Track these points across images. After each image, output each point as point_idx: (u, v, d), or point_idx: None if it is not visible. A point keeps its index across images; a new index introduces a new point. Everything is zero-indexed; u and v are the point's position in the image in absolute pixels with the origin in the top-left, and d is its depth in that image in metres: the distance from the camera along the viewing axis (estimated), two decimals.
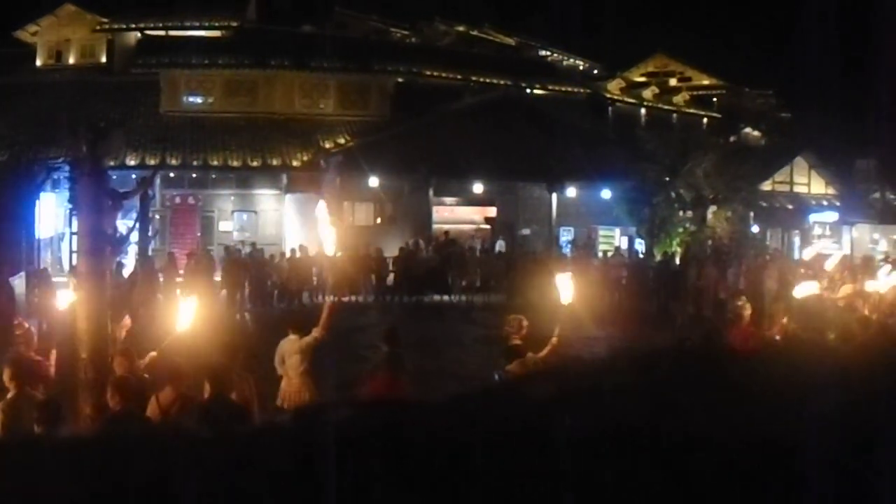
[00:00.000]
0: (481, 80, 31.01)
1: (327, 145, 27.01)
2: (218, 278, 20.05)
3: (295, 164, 26.13)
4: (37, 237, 21.61)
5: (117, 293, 9.80)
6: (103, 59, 30.14)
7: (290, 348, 8.28)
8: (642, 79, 43.33)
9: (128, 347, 7.34)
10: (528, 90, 32.15)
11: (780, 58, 69.46)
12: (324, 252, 8.79)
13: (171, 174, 25.52)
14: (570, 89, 33.97)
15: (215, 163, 25.75)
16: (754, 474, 1.28)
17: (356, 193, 25.78)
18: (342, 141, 27.30)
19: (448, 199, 27.90)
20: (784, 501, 1.24)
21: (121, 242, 7.50)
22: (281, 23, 31.56)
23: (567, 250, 26.72)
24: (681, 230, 25.97)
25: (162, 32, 30.29)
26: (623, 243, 28.16)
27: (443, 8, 37.82)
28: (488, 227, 28.09)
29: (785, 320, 9.00)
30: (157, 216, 25.13)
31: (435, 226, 26.59)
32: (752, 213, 28.42)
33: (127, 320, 8.12)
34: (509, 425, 1.42)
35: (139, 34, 29.96)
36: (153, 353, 7.37)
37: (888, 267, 15.35)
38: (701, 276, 21.41)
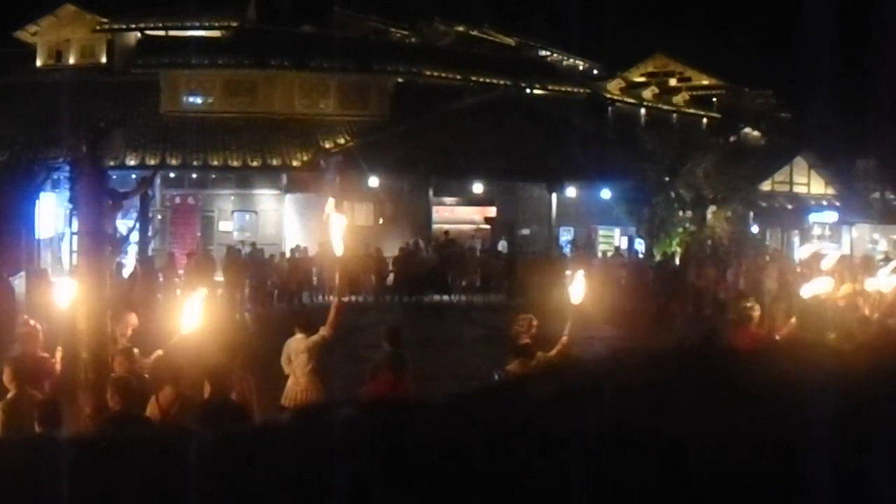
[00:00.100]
0: (481, 80, 30.98)
1: (327, 145, 27.01)
2: (218, 278, 20.05)
3: (295, 164, 26.14)
4: (37, 237, 21.59)
5: (117, 293, 9.78)
6: (103, 60, 30.16)
7: (297, 347, 8.24)
8: (642, 79, 43.31)
9: (128, 347, 7.32)
10: (528, 90, 32.13)
11: (779, 58, 69.57)
12: (324, 252, 8.79)
13: (171, 174, 25.55)
14: (569, 89, 33.93)
15: (215, 163, 25.77)
16: (755, 475, 1.28)
17: (356, 193, 25.77)
18: (342, 141, 27.31)
19: (448, 199, 27.89)
20: (785, 502, 1.24)
21: (121, 242, 7.49)
22: (281, 23, 31.58)
23: (567, 250, 26.71)
24: (680, 230, 25.97)
25: (162, 32, 30.31)
26: (623, 243, 28.17)
27: (442, 8, 37.83)
28: (488, 227, 28.07)
29: (793, 320, 8.87)
30: (158, 216, 25.16)
31: (435, 226, 26.59)
32: (751, 213, 28.44)
33: (134, 319, 8.08)
34: (509, 425, 1.42)
35: (139, 34, 29.97)
36: (159, 352, 7.34)
37: (894, 263, 15.05)
38: (700, 276, 21.43)
